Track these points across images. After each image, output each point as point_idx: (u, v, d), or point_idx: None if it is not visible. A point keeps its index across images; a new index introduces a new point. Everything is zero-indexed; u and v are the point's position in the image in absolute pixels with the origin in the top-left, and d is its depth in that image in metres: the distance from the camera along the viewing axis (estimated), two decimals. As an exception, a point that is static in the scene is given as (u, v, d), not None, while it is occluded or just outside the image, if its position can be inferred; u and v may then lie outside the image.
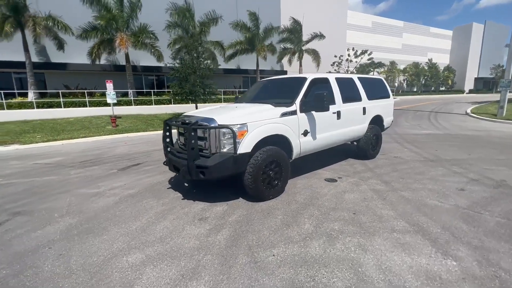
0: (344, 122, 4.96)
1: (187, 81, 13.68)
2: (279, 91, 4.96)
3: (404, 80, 52.91)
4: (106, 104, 15.49)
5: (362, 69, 35.67)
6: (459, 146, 7.03)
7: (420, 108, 20.49)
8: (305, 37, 26.13)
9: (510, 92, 14.81)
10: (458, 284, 2.06)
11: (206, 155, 3.53)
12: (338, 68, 32.09)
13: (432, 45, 58.24)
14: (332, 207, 3.50)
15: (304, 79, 4.48)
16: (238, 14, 23.96)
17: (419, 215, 3.20)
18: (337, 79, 5.02)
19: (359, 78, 5.65)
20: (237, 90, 25.31)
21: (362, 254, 2.47)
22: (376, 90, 5.99)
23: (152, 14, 18.92)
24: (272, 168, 3.74)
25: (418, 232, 2.81)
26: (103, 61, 19.95)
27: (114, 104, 13.88)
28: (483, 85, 61.59)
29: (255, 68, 24.42)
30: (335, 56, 32.12)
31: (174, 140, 4.46)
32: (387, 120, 6.33)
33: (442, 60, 58.76)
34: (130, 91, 19.22)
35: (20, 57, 16.63)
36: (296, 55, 27.11)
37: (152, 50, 19.00)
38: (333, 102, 4.72)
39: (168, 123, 4.26)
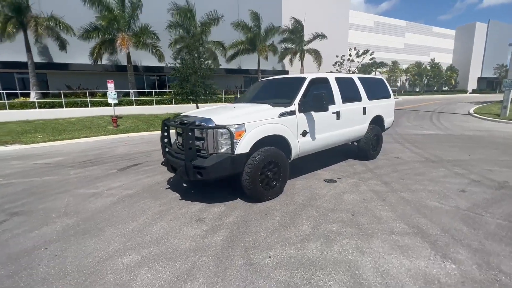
0: (344, 122, 4.91)
1: (188, 81, 13.67)
2: (278, 91, 4.93)
3: (406, 80, 52.62)
4: (108, 104, 15.57)
5: (364, 69, 35.51)
6: (460, 146, 6.96)
7: (422, 108, 20.35)
8: (306, 37, 26.01)
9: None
10: (457, 288, 2.02)
11: (204, 155, 3.50)
12: (340, 68, 31.91)
13: (434, 45, 57.77)
14: (330, 208, 3.47)
15: (303, 79, 4.45)
16: (240, 14, 23.96)
17: (418, 217, 3.15)
18: (337, 79, 4.98)
19: (359, 78, 5.60)
20: (238, 90, 25.33)
21: (360, 257, 2.43)
22: (376, 90, 5.94)
23: (153, 14, 18.95)
24: (270, 168, 3.71)
25: (417, 234, 2.77)
26: (104, 61, 20.04)
27: (116, 104, 13.92)
28: (487, 85, 60.98)
29: (257, 68, 24.38)
30: (337, 56, 31.93)
31: (173, 140, 4.44)
32: (388, 121, 6.28)
33: (445, 60, 58.29)
34: (131, 91, 19.27)
35: (22, 57, 16.74)
36: (298, 55, 27.00)
37: (154, 50, 19.03)
38: (333, 102, 4.68)
39: (166, 123, 4.25)
